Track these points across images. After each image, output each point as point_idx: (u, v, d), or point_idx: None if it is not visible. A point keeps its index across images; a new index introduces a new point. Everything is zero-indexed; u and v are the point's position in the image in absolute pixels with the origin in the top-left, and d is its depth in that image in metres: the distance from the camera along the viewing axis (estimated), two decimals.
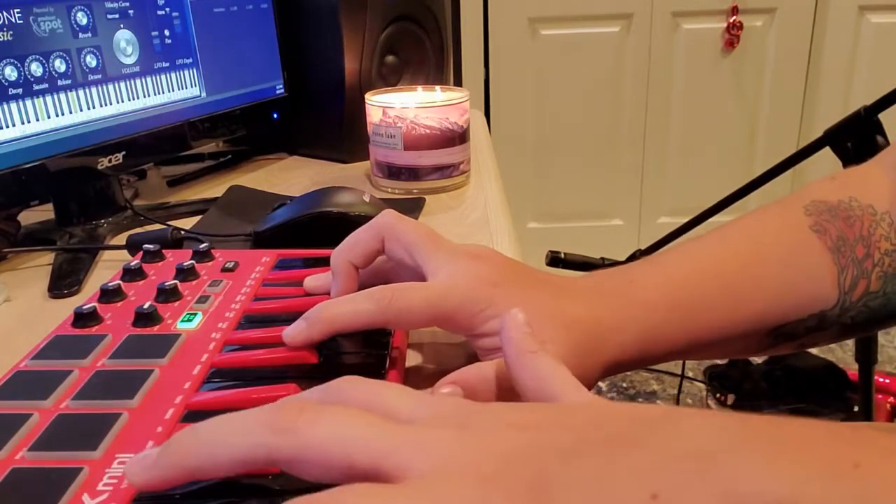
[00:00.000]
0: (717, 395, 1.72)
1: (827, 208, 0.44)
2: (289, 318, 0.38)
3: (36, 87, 0.57)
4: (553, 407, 0.26)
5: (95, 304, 0.41)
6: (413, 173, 0.71)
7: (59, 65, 0.59)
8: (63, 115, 0.60)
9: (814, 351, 1.76)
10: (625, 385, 1.80)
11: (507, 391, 0.32)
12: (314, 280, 0.44)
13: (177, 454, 0.24)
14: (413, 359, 0.40)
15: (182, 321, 0.40)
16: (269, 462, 0.23)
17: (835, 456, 0.17)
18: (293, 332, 0.36)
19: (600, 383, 1.80)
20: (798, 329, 0.43)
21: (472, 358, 0.37)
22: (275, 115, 0.85)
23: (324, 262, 0.43)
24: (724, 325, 0.41)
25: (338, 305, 0.36)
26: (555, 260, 1.19)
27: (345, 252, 0.40)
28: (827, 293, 0.42)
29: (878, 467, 0.17)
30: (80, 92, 0.61)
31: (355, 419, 0.22)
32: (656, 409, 0.22)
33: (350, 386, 0.25)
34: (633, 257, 1.13)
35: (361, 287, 0.38)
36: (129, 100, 0.66)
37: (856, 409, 1.40)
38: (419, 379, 0.38)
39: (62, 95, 0.60)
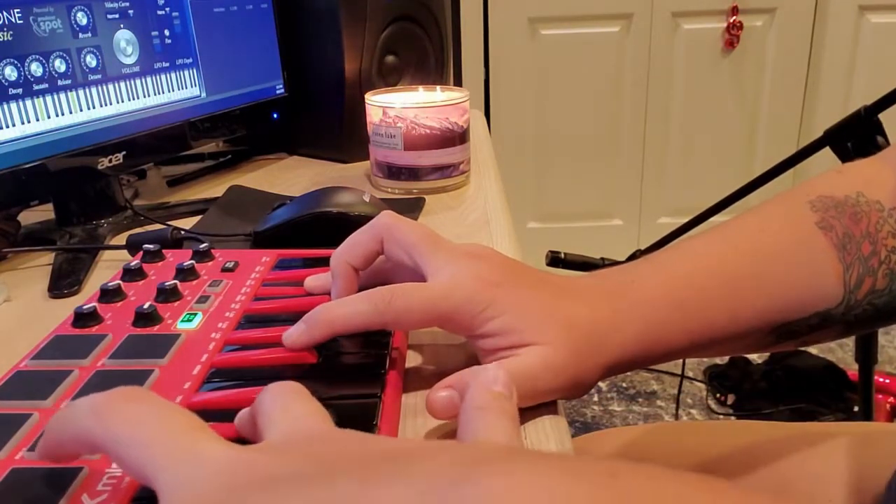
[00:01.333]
0: (717, 395, 1.72)
1: (833, 204, 0.43)
2: (289, 317, 0.38)
3: (36, 87, 0.57)
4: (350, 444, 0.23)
5: (95, 304, 0.41)
6: (413, 173, 0.71)
7: (59, 65, 0.59)
8: (63, 115, 0.60)
9: (814, 351, 1.76)
10: (625, 385, 1.80)
11: None
12: (314, 280, 0.44)
13: (46, 435, 0.25)
14: (413, 360, 0.40)
15: (182, 321, 0.40)
16: (94, 448, 0.23)
17: (594, 468, 0.18)
18: (293, 335, 0.36)
19: (601, 384, 1.80)
20: (801, 327, 0.42)
21: (472, 359, 0.37)
22: (275, 115, 0.85)
23: (324, 262, 0.43)
24: (727, 323, 0.40)
25: (337, 307, 0.36)
26: (555, 260, 1.19)
27: (344, 254, 0.40)
28: (832, 291, 0.42)
29: (632, 477, 0.18)
30: (80, 92, 0.61)
31: (156, 422, 0.23)
32: (432, 451, 0.21)
33: (272, 389, 0.26)
34: (633, 257, 1.13)
35: (362, 288, 0.37)
36: (129, 100, 0.66)
37: (856, 409, 1.40)
38: (419, 379, 0.38)
39: (62, 95, 0.60)
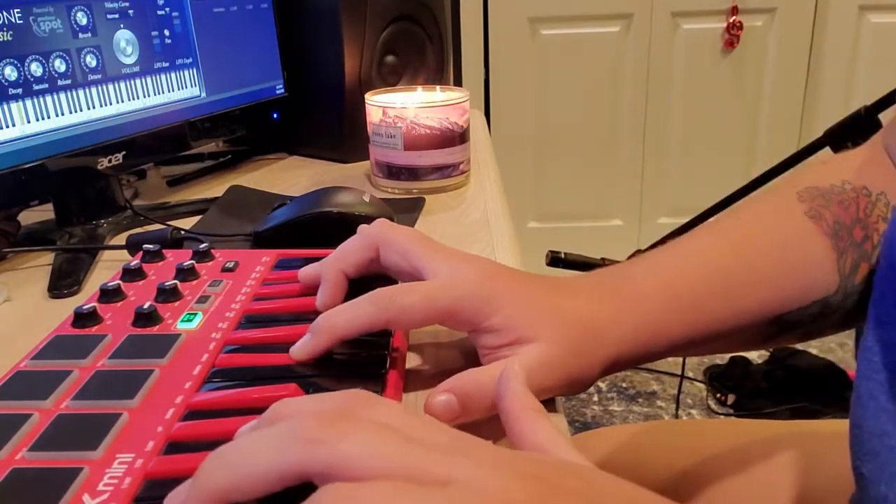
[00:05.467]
0: (718, 395, 1.72)
1: (820, 193, 0.44)
2: (289, 317, 0.38)
3: (36, 87, 0.57)
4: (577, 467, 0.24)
5: (95, 304, 0.41)
6: (413, 173, 0.71)
7: (59, 65, 0.59)
8: (63, 115, 0.60)
9: (814, 351, 1.76)
10: (625, 385, 1.80)
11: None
12: (309, 269, 0.43)
13: (207, 485, 0.22)
14: (413, 360, 0.40)
15: (182, 321, 0.40)
16: (300, 476, 0.21)
17: None
18: (299, 347, 0.36)
19: (601, 384, 1.80)
20: (801, 317, 0.42)
21: (472, 359, 0.37)
22: (275, 115, 0.85)
23: None
24: (723, 315, 0.41)
25: (341, 313, 0.36)
26: (555, 260, 1.19)
27: (336, 261, 0.40)
28: (827, 278, 0.42)
29: None
30: (80, 92, 0.61)
31: (384, 433, 0.22)
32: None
33: (361, 403, 0.24)
34: (632, 257, 1.13)
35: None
36: (129, 100, 0.66)
37: None
38: (419, 380, 0.38)
39: (62, 95, 0.59)
